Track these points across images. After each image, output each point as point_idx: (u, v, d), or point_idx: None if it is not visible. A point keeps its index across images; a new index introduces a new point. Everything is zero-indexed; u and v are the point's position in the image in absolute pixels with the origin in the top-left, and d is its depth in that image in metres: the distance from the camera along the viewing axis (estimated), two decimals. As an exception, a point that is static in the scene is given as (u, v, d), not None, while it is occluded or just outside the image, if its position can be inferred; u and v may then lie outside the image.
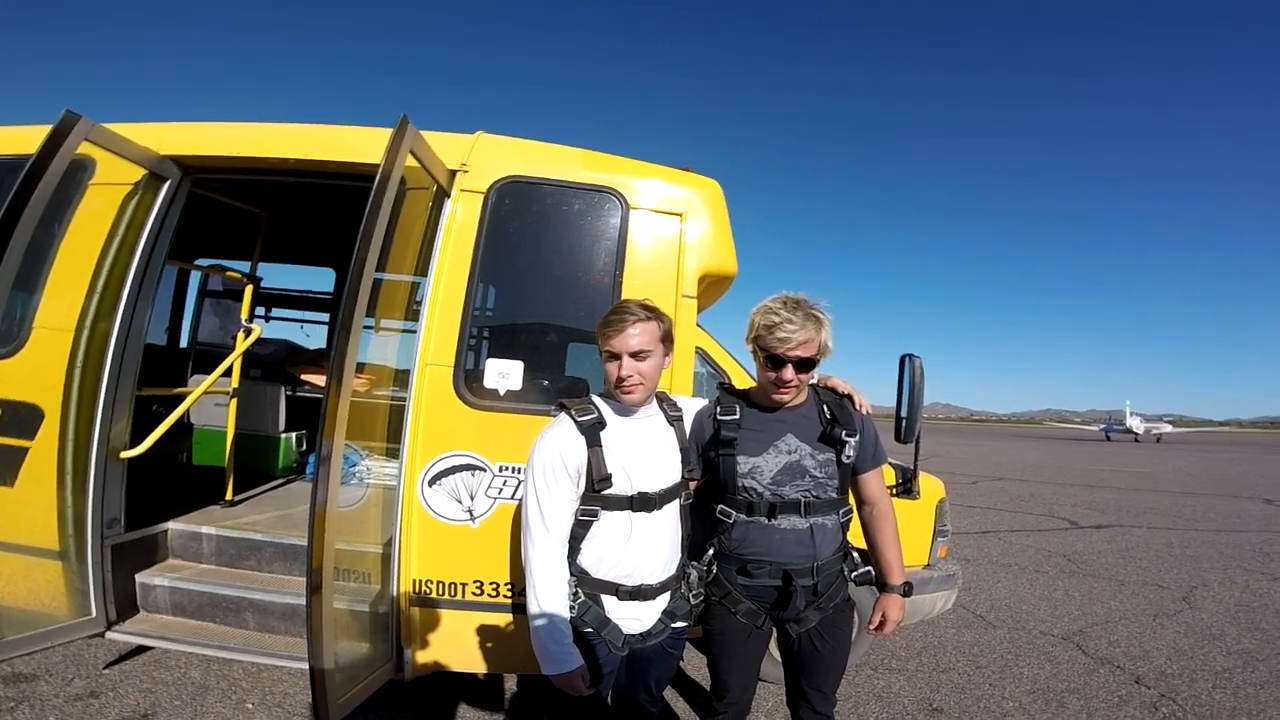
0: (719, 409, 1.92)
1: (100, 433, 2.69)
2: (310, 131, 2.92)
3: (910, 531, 3.40)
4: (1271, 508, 12.25)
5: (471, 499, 2.55)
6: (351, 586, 2.50)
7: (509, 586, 2.56)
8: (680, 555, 1.93)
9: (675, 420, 1.93)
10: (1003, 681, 3.73)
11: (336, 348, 2.12)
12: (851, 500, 2.00)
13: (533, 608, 1.72)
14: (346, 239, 2.19)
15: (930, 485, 3.66)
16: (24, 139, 2.76)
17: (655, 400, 1.91)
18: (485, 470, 2.55)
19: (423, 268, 2.71)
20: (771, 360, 1.81)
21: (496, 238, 2.74)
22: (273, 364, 5.14)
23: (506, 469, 2.55)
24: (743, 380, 3.18)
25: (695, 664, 3.61)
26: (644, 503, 1.78)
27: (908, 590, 1.99)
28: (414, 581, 2.55)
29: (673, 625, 1.90)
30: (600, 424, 1.77)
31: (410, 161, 2.39)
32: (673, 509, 1.87)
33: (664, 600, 1.88)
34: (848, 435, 1.87)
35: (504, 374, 2.60)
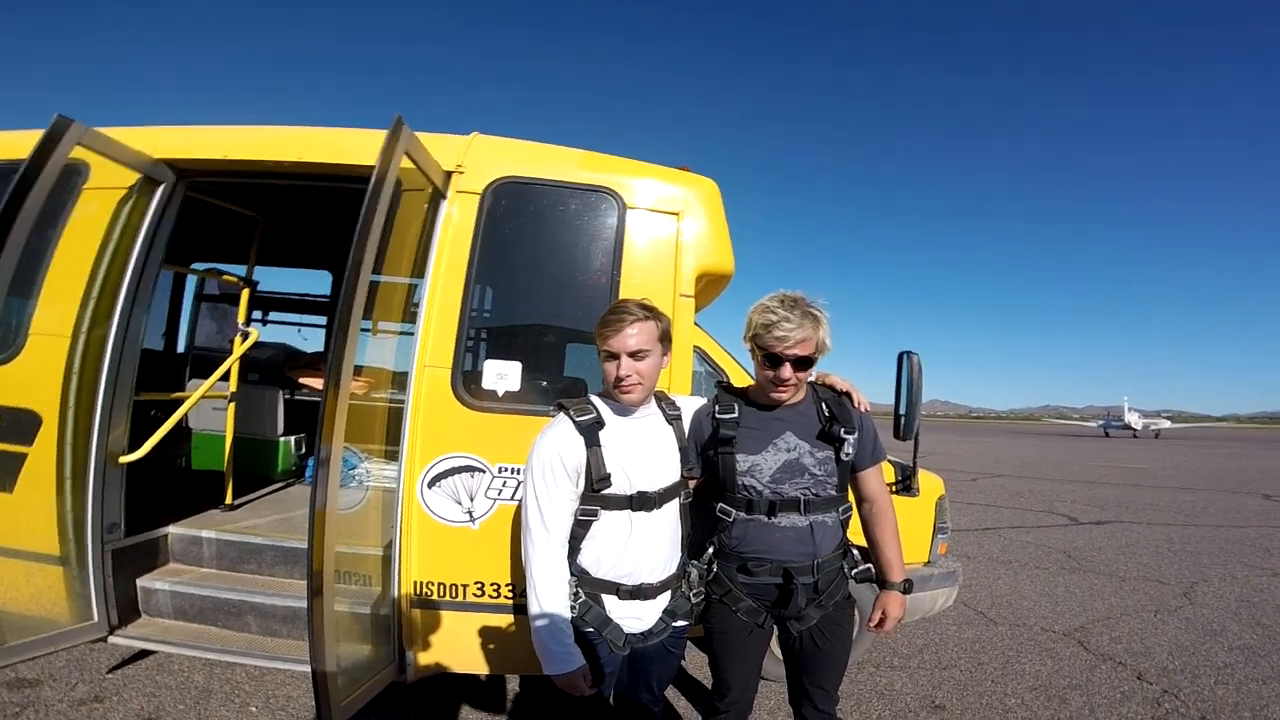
0: (717, 407, 1.92)
1: (99, 438, 2.69)
2: (305, 134, 2.92)
3: (910, 529, 3.40)
4: (1270, 503, 12.27)
5: (471, 500, 2.55)
6: (352, 589, 2.50)
7: (510, 587, 2.56)
8: (680, 554, 1.93)
9: (674, 419, 1.93)
10: (1005, 678, 3.73)
11: (334, 351, 2.11)
12: (851, 498, 2.00)
13: (533, 608, 1.72)
14: (342, 241, 2.19)
15: (929, 482, 3.66)
16: (16, 144, 2.76)
17: (654, 399, 1.91)
18: (484, 471, 2.55)
19: (419, 269, 2.70)
20: (769, 358, 1.81)
21: (493, 239, 2.74)
22: (271, 368, 5.14)
23: (506, 470, 2.55)
24: (741, 379, 3.18)
25: (697, 663, 3.62)
26: (643, 502, 1.78)
27: (908, 587, 1.99)
28: (415, 583, 2.55)
29: (674, 624, 1.90)
30: (599, 424, 1.76)
31: (405, 163, 2.38)
32: (672, 508, 1.87)
33: (665, 599, 1.88)
34: (846, 433, 1.87)
35: (502, 375, 2.60)
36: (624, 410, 1.81)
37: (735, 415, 1.89)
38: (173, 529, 3.16)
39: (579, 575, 1.78)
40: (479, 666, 2.68)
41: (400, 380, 2.71)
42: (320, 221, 4.53)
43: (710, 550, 1.96)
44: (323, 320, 6.08)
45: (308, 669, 2.07)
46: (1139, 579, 6.16)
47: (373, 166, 2.22)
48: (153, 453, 2.90)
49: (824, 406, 1.91)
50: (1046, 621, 4.79)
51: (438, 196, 2.72)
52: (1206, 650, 4.27)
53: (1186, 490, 14.00)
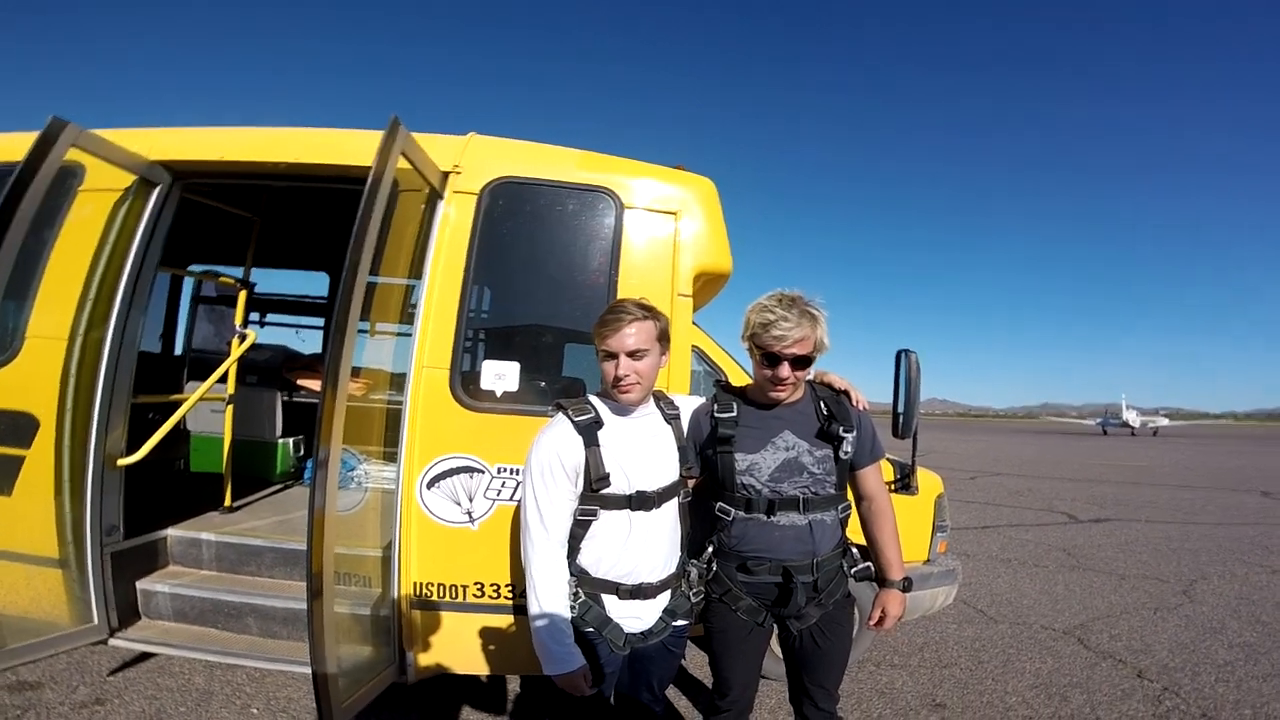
0: (716, 407, 1.92)
1: (96, 440, 2.68)
2: (301, 135, 2.91)
3: (909, 527, 3.40)
4: (1269, 500, 12.29)
5: (470, 501, 2.54)
6: (352, 590, 2.49)
7: (509, 588, 2.56)
8: (680, 553, 1.93)
9: (673, 419, 1.93)
10: (1005, 676, 3.73)
11: (332, 352, 2.11)
12: (850, 496, 2.00)
13: (533, 608, 1.72)
14: (340, 243, 2.18)
15: (928, 481, 3.66)
16: (11, 146, 2.75)
17: (652, 399, 1.91)
18: (483, 472, 2.54)
19: (417, 270, 2.70)
20: (768, 358, 1.81)
21: (490, 239, 2.73)
22: (268, 369, 5.13)
23: (505, 470, 2.54)
24: (740, 378, 3.18)
25: (697, 662, 3.62)
26: (642, 501, 1.78)
27: (907, 585, 1.99)
28: (414, 584, 2.55)
29: (674, 624, 1.90)
30: (597, 423, 1.76)
31: (402, 163, 2.38)
32: (671, 507, 1.87)
33: (664, 599, 1.88)
34: (845, 431, 1.87)
35: (500, 375, 2.59)
36: (622, 410, 1.81)
37: (734, 414, 1.89)
38: (172, 531, 3.16)
39: (579, 575, 1.78)
40: (479, 667, 2.68)
41: (398, 381, 2.71)
42: (317, 223, 4.53)
43: (710, 549, 1.96)
44: (320, 322, 6.06)
45: (308, 671, 2.07)
46: (1139, 577, 6.16)
47: (369, 167, 2.22)
48: (151, 455, 2.89)
49: (822, 405, 1.91)
50: (1046, 619, 4.79)
51: (435, 197, 2.71)
52: (1207, 648, 4.28)
53: (1185, 488, 14.02)
